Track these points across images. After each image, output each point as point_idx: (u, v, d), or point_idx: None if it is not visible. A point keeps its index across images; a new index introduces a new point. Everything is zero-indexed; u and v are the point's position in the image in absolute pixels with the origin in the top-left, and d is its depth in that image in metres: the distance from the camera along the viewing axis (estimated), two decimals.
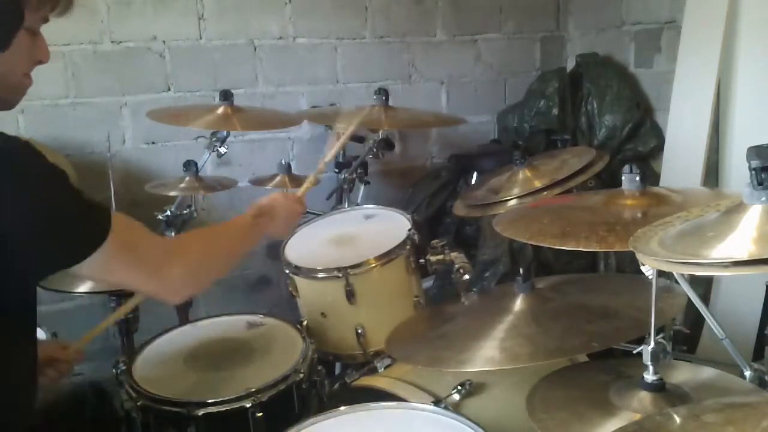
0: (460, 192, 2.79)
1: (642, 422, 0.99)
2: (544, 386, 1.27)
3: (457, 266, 1.80)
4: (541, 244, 1.34)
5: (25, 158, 1.01)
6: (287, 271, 1.95)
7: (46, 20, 1.10)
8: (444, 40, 3.11)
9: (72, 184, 1.07)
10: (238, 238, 1.44)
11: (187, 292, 1.31)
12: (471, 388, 1.54)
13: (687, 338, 1.79)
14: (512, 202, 1.90)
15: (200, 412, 1.46)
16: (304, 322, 1.89)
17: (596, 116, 3.05)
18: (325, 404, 1.62)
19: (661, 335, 1.15)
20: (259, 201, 1.55)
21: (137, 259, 1.15)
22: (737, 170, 2.49)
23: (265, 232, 1.52)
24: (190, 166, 2.16)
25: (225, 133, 2.20)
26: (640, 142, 2.99)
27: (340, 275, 1.82)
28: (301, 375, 1.58)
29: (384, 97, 2.23)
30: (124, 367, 1.62)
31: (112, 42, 2.51)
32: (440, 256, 1.88)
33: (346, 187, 2.39)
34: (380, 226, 2.05)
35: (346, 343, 1.89)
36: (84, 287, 1.82)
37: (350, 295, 1.83)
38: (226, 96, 2.16)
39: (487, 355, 1.27)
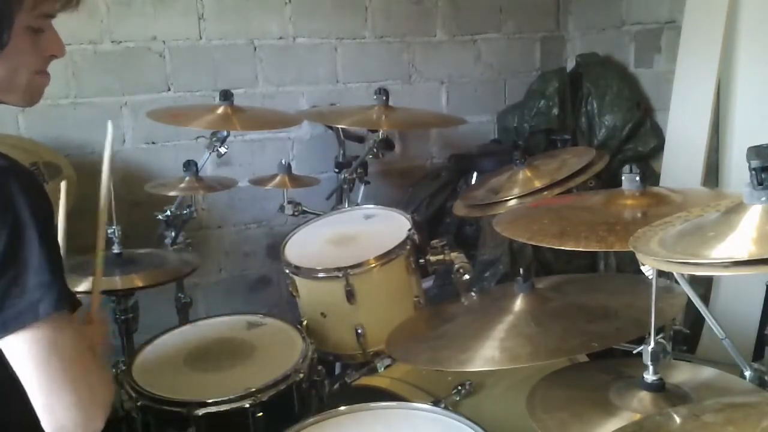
0: (460, 192, 2.79)
1: (642, 422, 0.99)
2: (544, 386, 1.27)
3: (457, 266, 1.80)
4: (541, 244, 1.33)
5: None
6: (287, 271, 1.95)
7: (50, 16, 1.07)
8: (444, 40, 3.11)
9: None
10: None
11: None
12: (471, 388, 1.54)
13: (687, 338, 1.79)
14: (512, 202, 1.90)
15: (200, 412, 1.46)
16: (304, 322, 1.89)
17: (596, 116, 3.05)
18: (325, 404, 1.62)
19: (661, 335, 1.15)
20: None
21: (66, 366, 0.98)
22: (737, 170, 2.49)
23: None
24: (190, 166, 2.16)
25: (225, 133, 2.20)
26: (640, 142, 2.99)
27: (340, 275, 1.82)
28: (301, 375, 1.58)
29: (384, 97, 2.23)
30: (124, 367, 1.62)
31: (112, 42, 2.51)
32: (440, 256, 1.87)
33: (346, 187, 2.38)
34: (380, 226, 2.05)
35: (346, 343, 1.89)
36: (82, 287, 1.81)
37: (350, 295, 1.83)
38: (226, 96, 2.16)
39: (487, 355, 1.27)
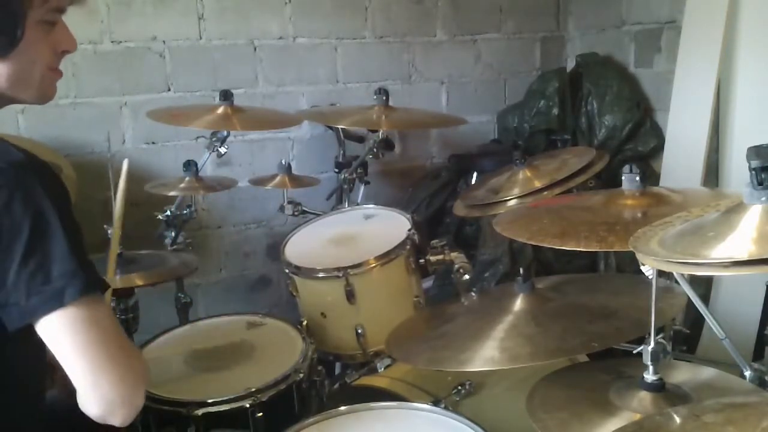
0: (460, 192, 2.79)
1: (642, 422, 0.99)
2: (544, 386, 1.27)
3: (457, 266, 1.80)
4: (541, 244, 1.33)
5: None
6: (287, 271, 1.95)
7: (61, 11, 1.07)
8: (444, 40, 3.11)
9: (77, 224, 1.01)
10: None
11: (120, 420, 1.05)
12: (471, 388, 1.54)
13: (687, 338, 1.79)
14: (512, 202, 1.90)
15: (200, 412, 1.46)
16: (304, 322, 1.89)
17: (596, 116, 3.05)
18: (325, 404, 1.62)
19: (661, 335, 1.15)
20: None
21: (105, 352, 1.01)
22: (737, 170, 2.49)
23: None
24: (190, 166, 2.16)
25: (225, 133, 2.20)
26: (640, 142, 2.99)
27: (340, 275, 1.82)
28: (301, 375, 1.58)
29: (384, 97, 2.23)
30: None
31: (112, 42, 2.51)
32: (440, 256, 1.88)
33: (346, 187, 2.38)
34: (380, 226, 2.05)
35: (346, 343, 1.89)
36: None
37: (350, 295, 1.83)
38: (226, 96, 2.16)
39: (487, 355, 1.27)
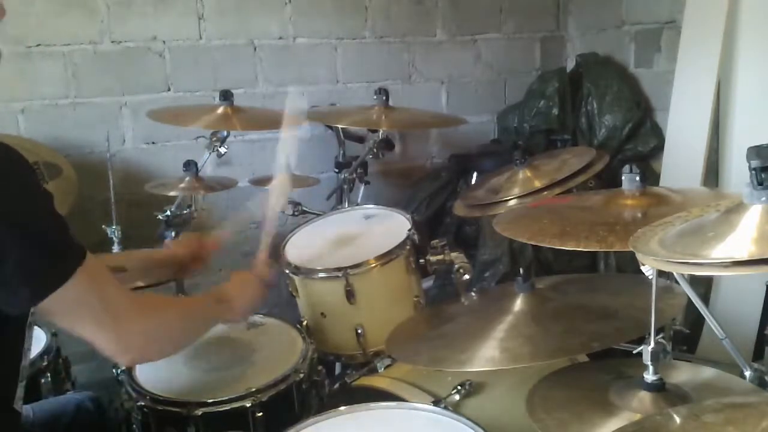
0: (460, 192, 2.79)
1: (642, 422, 0.99)
2: (544, 386, 1.27)
3: (457, 266, 1.80)
4: (541, 244, 1.33)
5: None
6: (287, 271, 1.95)
7: None
8: (444, 40, 3.11)
9: (53, 204, 1.05)
10: (198, 320, 1.41)
11: (138, 356, 1.26)
12: (471, 388, 1.54)
13: (687, 338, 1.79)
14: (512, 202, 1.90)
15: (200, 412, 1.46)
16: (304, 322, 1.89)
17: (596, 116, 3.05)
18: (325, 404, 1.62)
19: (661, 335, 1.15)
20: (223, 286, 1.53)
21: (100, 305, 1.10)
22: (737, 170, 2.49)
23: (225, 318, 1.54)
24: (190, 166, 2.16)
25: (225, 133, 2.20)
26: (640, 142, 2.99)
27: (340, 275, 1.82)
28: (301, 375, 1.58)
29: (384, 97, 2.23)
30: (124, 367, 1.62)
31: (112, 42, 2.51)
32: (440, 256, 1.87)
33: (346, 187, 2.39)
34: (380, 226, 2.05)
35: (346, 343, 1.89)
36: None
37: (350, 295, 1.83)
38: (226, 96, 2.16)
39: (487, 355, 1.27)
